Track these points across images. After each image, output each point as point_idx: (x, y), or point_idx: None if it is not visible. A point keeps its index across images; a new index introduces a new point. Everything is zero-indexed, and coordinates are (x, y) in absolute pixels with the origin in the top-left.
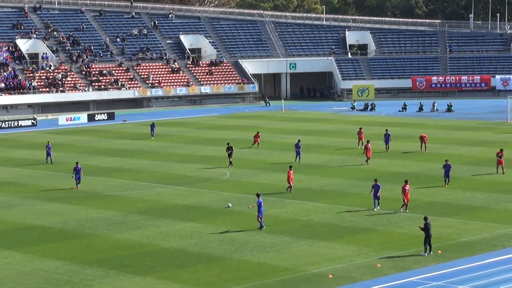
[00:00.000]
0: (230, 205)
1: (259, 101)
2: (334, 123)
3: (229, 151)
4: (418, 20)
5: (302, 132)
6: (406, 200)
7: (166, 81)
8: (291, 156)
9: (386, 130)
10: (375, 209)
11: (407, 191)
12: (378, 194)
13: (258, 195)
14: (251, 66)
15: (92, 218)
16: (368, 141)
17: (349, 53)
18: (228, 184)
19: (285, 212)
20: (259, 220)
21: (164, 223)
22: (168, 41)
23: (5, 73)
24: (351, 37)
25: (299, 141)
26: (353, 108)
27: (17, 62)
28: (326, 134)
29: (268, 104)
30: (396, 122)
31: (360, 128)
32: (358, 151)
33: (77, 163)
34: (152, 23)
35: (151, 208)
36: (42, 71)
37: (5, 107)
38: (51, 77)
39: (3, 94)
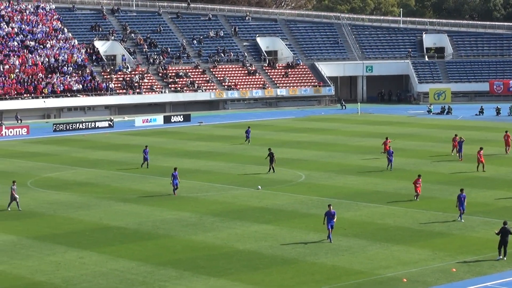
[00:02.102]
0: (260, 187)
1: (335, 104)
2: (410, 127)
3: (270, 157)
4: (496, 23)
5: (378, 135)
6: None
7: (242, 83)
8: (367, 159)
9: (461, 137)
10: (462, 220)
11: None
12: (464, 204)
13: (329, 206)
14: (327, 68)
15: (167, 220)
16: (481, 148)
17: (426, 56)
18: (303, 186)
19: (359, 215)
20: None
21: (239, 225)
22: (244, 43)
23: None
24: (428, 40)
25: (390, 147)
26: (429, 111)
27: (94, 63)
28: (401, 137)
29: (344, 107)
30: (472, 126)
31: (456, 135)
32: (449, 158)
33: (175, 169)
34: (229, 26)
35: (225, 210)
36: (119, 73)
37: (83, 108)
38: (128, 78)
39: (80, 96)
